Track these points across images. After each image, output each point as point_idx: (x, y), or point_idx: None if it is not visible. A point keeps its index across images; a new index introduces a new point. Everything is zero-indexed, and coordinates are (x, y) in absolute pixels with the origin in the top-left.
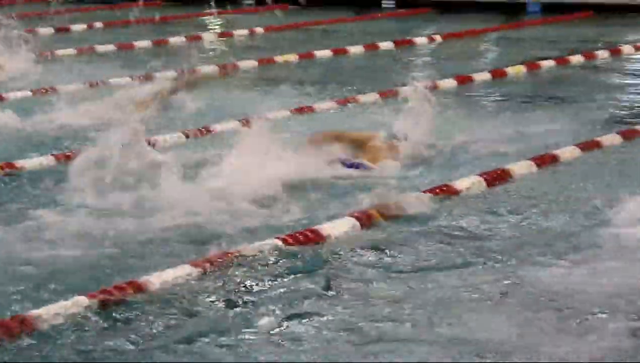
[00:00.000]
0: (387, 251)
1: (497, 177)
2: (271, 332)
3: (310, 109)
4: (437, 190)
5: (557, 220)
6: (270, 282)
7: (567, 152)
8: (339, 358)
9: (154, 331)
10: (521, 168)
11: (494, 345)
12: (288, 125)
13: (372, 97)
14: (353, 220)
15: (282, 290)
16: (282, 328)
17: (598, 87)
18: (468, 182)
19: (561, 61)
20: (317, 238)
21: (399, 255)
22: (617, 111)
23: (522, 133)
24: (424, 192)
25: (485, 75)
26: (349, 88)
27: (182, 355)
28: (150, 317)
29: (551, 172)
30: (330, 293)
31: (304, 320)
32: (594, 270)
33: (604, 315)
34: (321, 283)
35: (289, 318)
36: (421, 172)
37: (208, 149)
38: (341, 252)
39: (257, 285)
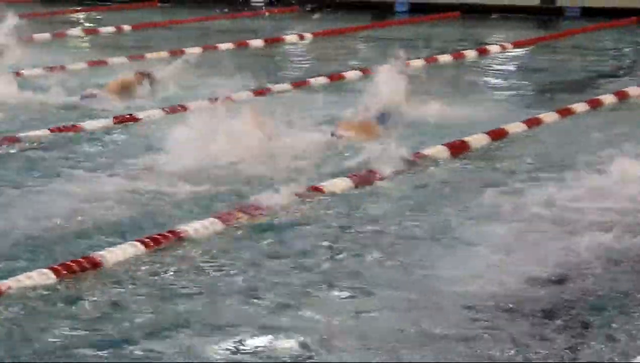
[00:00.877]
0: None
1: (363, 180)
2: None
3: (183, 108)
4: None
5: (423, 221)
6: None
7: (437, 152)
8: None
9: None
10: (387, 170)
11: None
12: (161, 123)
13: (244, 95)
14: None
15: None
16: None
17: (466, 86)
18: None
19: (430, 60)
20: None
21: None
22: (485, 110)
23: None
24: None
25: (356, 74)
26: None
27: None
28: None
29: (420, 174)
30: None
31: None
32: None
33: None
34: None
35: None
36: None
37: None
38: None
39: None
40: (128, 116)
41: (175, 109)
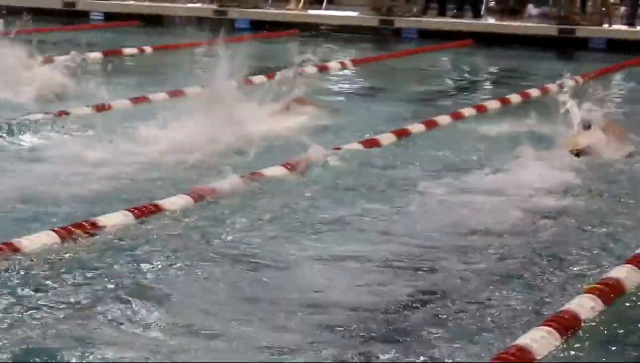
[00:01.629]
0: None
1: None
2: None
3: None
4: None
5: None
6: None
7: (273, 171)
8: None
9: None
10: (228, 183)
11: None
12: None
13: (84, 110)
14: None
15: None
16: None
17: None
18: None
19: (270, 76)
20: None
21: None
22: (322, 128)
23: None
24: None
25: (195, 90)
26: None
27: None
28: None
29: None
30: None
31: None
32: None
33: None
34: None
35: None
36: None
37: None
38: None
39: None
40: None
41: None
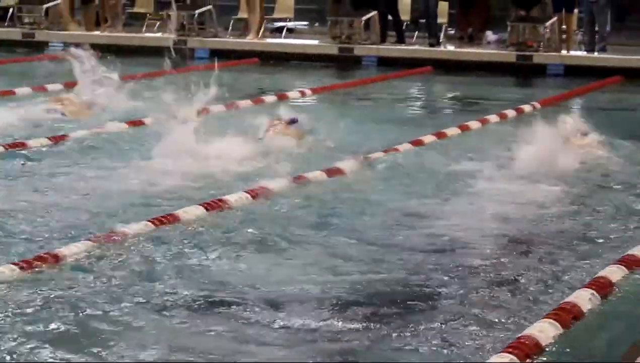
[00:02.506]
0: None
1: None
2: None
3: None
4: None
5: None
6: None
7: (236, 199)
8: None
9: None
10: (190, 214)
11: None
12: None
13: (41, 141)
14: None
15: None
16: None
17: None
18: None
19: (230, 106)
20: None
21: None
22: (283, 158)
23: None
24: None
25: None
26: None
27: None
28: None
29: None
30: None
31: None
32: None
33: None
34: None
35: None
36: None
37: None
38: None
39: None
40: None
41: None
